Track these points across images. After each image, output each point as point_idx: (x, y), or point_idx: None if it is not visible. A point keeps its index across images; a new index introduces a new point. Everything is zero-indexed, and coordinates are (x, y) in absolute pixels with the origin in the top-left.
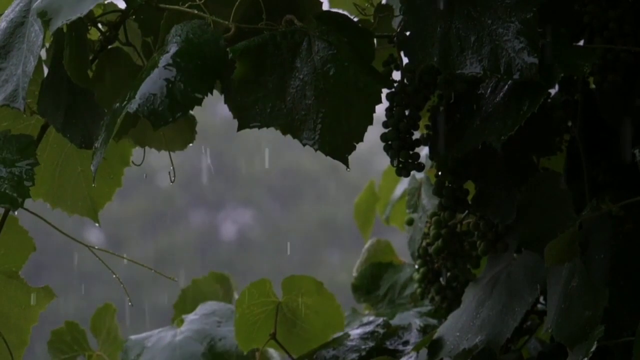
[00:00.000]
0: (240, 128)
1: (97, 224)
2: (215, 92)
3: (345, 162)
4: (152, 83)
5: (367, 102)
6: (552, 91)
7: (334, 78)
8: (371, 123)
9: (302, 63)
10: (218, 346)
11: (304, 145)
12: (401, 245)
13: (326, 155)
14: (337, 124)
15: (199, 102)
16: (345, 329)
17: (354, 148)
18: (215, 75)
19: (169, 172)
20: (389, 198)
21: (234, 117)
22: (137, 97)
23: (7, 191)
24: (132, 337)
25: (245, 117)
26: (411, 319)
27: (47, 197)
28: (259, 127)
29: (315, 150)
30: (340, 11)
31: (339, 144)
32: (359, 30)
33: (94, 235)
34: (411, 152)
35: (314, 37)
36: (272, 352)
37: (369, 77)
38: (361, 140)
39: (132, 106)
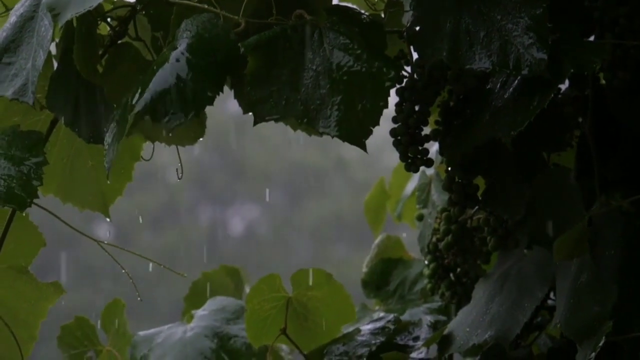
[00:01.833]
0: (256, 122)
1: (107, 219)
2: (224, 87)
3: (363, 147)
4: (163, 82)
5: (380, 86)
6: (563, 87)
7: (347, 66)
8: (386, 106)
9: (314, 54)
10: (228, 343)
11: (321, 134)
12: (411, 241)
13: (343, 141)
14: (352, 109)
15: (210, 102)
16: (355, 325)
17: (370, 132)
18: (226, 72)
19: (177, 169)
20: (400, 196)
21: (246, 112)
22: (148, 95)
23: (15, 191)
24: (141, 332)
25: (261, 111)
26: (421, 314)
27: (58, 192)
28: (276, 120)
29: (332, 137)
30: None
31: (355, 130)
32: (369, 22)
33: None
34: (420, 148)
35: (324, 28)
36: (283, 347)
37: (382, 62)
38: (377, 124)
39: (143, 104)
